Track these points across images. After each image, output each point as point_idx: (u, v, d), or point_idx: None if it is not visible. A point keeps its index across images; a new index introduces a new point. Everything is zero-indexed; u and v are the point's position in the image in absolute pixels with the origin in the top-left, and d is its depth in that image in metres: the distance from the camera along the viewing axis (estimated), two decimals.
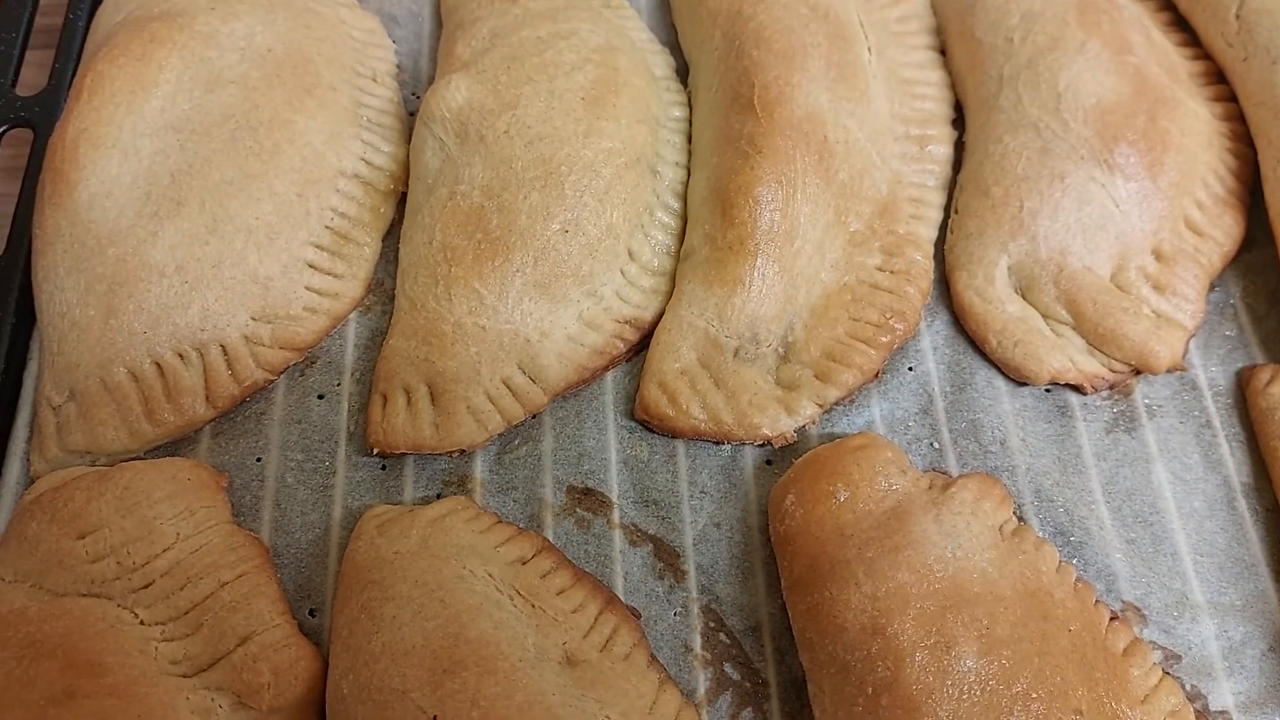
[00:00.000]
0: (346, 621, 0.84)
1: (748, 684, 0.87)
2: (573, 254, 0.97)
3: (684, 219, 1.05)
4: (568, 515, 0.94)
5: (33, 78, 1.18)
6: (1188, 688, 0.86)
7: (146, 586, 0.84)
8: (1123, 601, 0.90)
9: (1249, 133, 1.07)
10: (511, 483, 0.95)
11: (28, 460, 0.95)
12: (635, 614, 0.88)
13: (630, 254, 1.02)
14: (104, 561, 0.84)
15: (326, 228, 1.02)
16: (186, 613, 0.84)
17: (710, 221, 1.00)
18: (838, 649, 0.82)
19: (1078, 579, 0.88)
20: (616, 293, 1.01)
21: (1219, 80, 1.11)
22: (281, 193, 0.99)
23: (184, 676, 0.81)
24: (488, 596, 0.84)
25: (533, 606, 0.85)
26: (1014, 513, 0.91)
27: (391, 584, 0.84)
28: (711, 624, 0.89)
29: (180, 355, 0.94)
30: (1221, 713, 0.85)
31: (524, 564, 0.88)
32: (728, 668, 0.88)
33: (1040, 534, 0.92)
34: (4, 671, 0.78)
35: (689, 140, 1.10)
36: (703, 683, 0.87)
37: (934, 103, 1.11)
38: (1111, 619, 0.87)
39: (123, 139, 0.98)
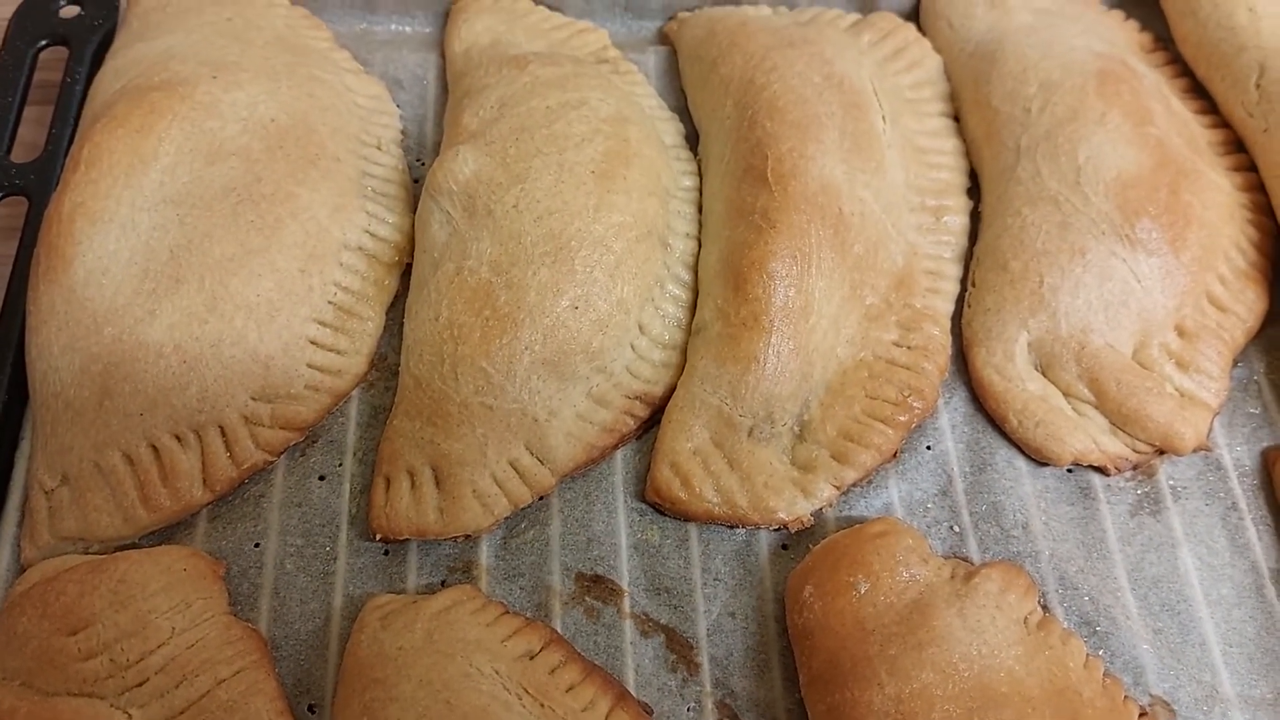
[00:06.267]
0: None
1: None
2: (583, 330, 0.95)
3: (695, 291, 1.02)
4: (576, 604, 0.90)
5: (27, 135, 1.16)
6: None
7: (140, 685, 0.81)
8: (1151, 695, 0.87)
9: (1269, 204, 1.05)
10: (518, 569, 0.92)
11: (18, 546, 0.91)
12: (648, 710, 0.85)
13: (640, 328, 0.99)
14: (96, 659, 0.81)
15: (329, 303, 0.99)
16: (182, 712, 0.80)
17: (722, 296, 0.98)
18: None
19: (1105, 673, 0.85)
20: (627, 368, 0.98)
21: (1238, 149, 1.09)
22: (284, 268, 0.96)
23: None
24: (495, 696, 0.80)
25: (542, 706, 0.81)
26: (1039, 601, 0.89)
27: (395, 683, 0.81)
28: None
29: (177, 437, 0.91)
30: None
31: (532, 659, 0.85)
32: None
33: (1065, 624, 0.89)
34: None
35: (699, 210, 1.08)
36: None
37: (949, 172, 1.09)
38: (1141, 715, 0.84)
39: (120, 213, 0.95)
